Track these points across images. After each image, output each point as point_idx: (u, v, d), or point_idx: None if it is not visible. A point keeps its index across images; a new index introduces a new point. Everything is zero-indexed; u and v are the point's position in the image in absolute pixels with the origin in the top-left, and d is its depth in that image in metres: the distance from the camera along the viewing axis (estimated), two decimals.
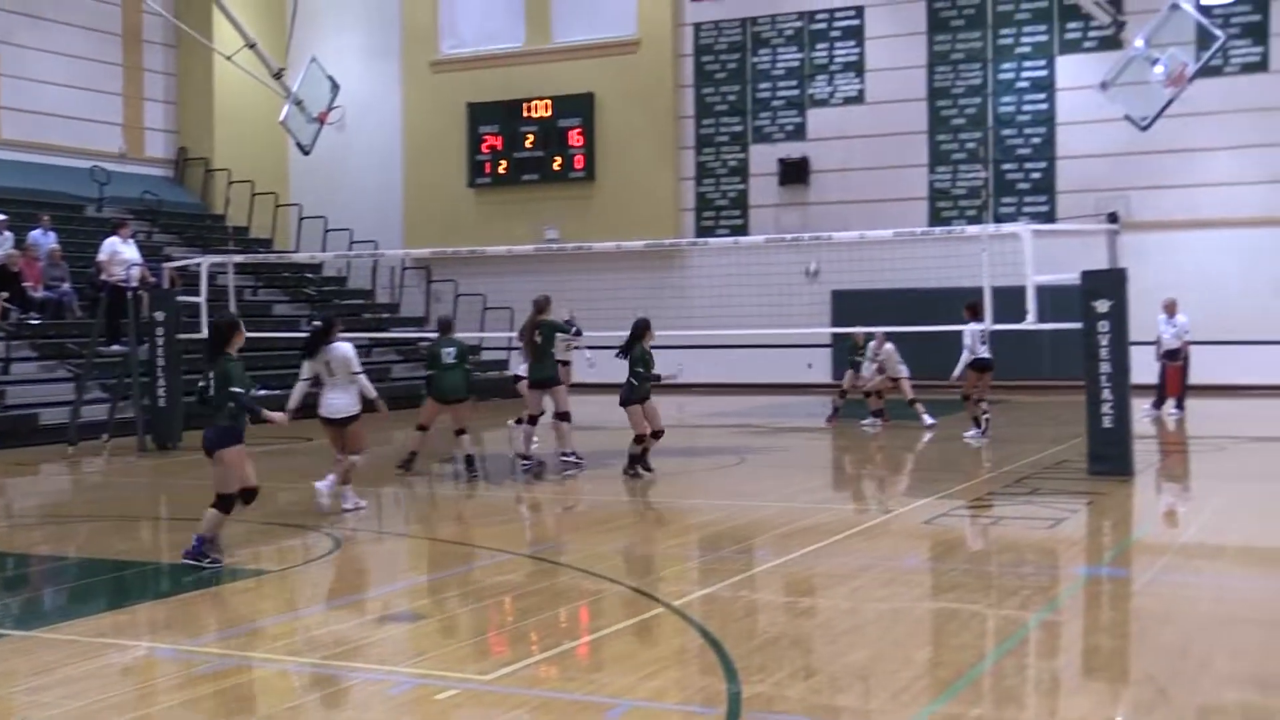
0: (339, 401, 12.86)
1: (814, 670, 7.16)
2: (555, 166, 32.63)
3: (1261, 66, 27.37)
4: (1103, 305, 14.43)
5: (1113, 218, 16.23)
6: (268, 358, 25.47)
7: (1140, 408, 20.10)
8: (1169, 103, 17.15)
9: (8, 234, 23.46)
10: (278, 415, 11.08)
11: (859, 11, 30.50)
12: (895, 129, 29.92)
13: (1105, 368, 14.41)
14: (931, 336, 19.57)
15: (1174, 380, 21.84)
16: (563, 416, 16.14)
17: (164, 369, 19.46)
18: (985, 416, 18.93)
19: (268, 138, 31.12)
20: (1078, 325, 14.70)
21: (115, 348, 20.87)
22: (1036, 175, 29.12)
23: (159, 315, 19.67)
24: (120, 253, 21.69)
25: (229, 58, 22.02)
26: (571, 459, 15.93)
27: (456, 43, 34.20)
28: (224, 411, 10.10)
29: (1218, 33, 19.22)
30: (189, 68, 32.84)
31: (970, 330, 18.50)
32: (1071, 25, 28.59)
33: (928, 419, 20.27)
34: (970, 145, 29.47)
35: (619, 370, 15.44)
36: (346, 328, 27.23)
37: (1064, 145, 28.81)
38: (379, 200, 33.98)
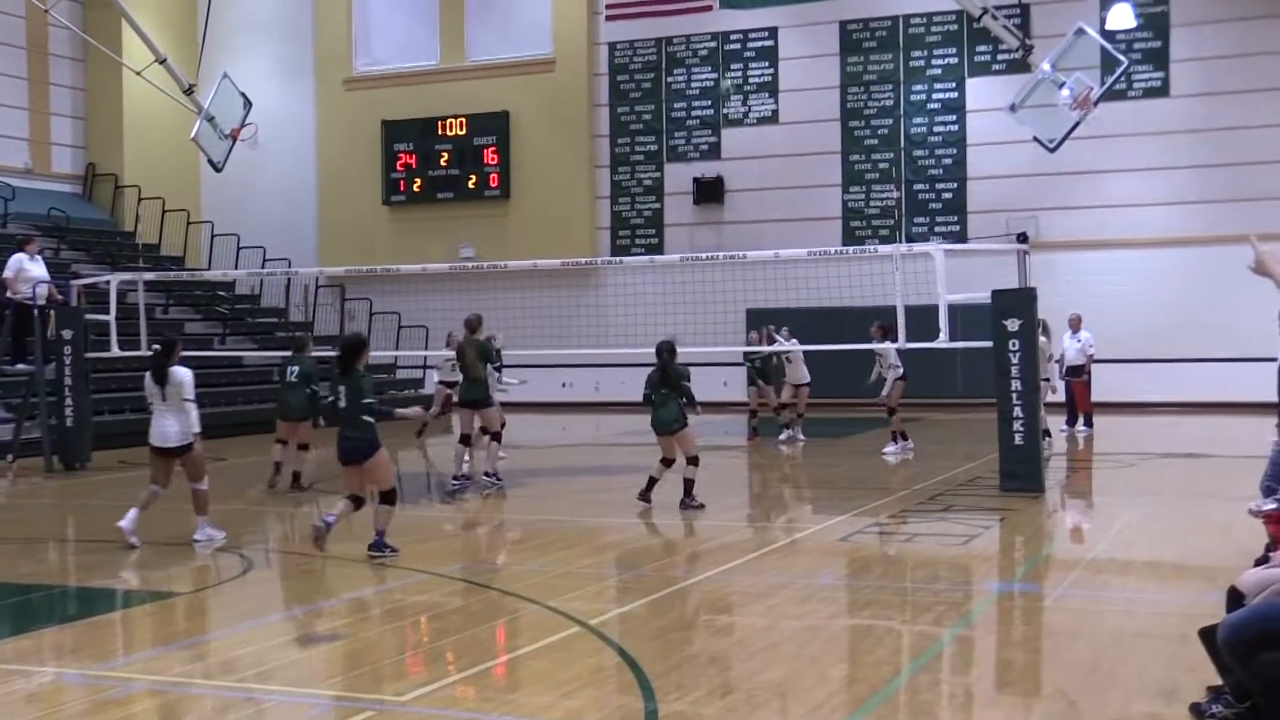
0: (173, 429, 12.08)
1: (731, 688, 7.18)
2: (470, 185, 32.54)
3: (1163, 91, 27.97)
4: (1013, 324, 14.64)
5: (1023, 238, 16.50)
6: None
7: (1056, 426, 20.46)
8: (1075, 125, 17.43)
9: None
10: (411, 410, 12.92)
11: (772, 33, 30.76)
12: (809, 149, 30.19)
13: (1016, 385, 14.62)
14: (845, 354, 19.79)
15: (1080, 397, 22.19)
16: (494, 436, 16.13)
17: (71, 388, 19.12)
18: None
19: (179, 154, 30.70)
20: (989, 344, 14.90)
21: (20, 366, 20.48)
22: (948, 195, 29.51)
23: (66, 334, 19.33)
24: (27, 270, 21.26)
25: (139, 73, 21.76)
26: (493, 478, 15.90)
27: (371, 60, 34.02)
28: (358, 422, 11.02)
29: (1121, 58, 19.64)
30: (98, 82, 32.33)
31: (891, 348, 18.77)
32: (981, 48, 29.03)
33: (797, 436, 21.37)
34: (883, 165, 29.83)
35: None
36: (259, 345, 27.14)
37: (974, 166, 29.22)
38: (292, 218, 33.68)
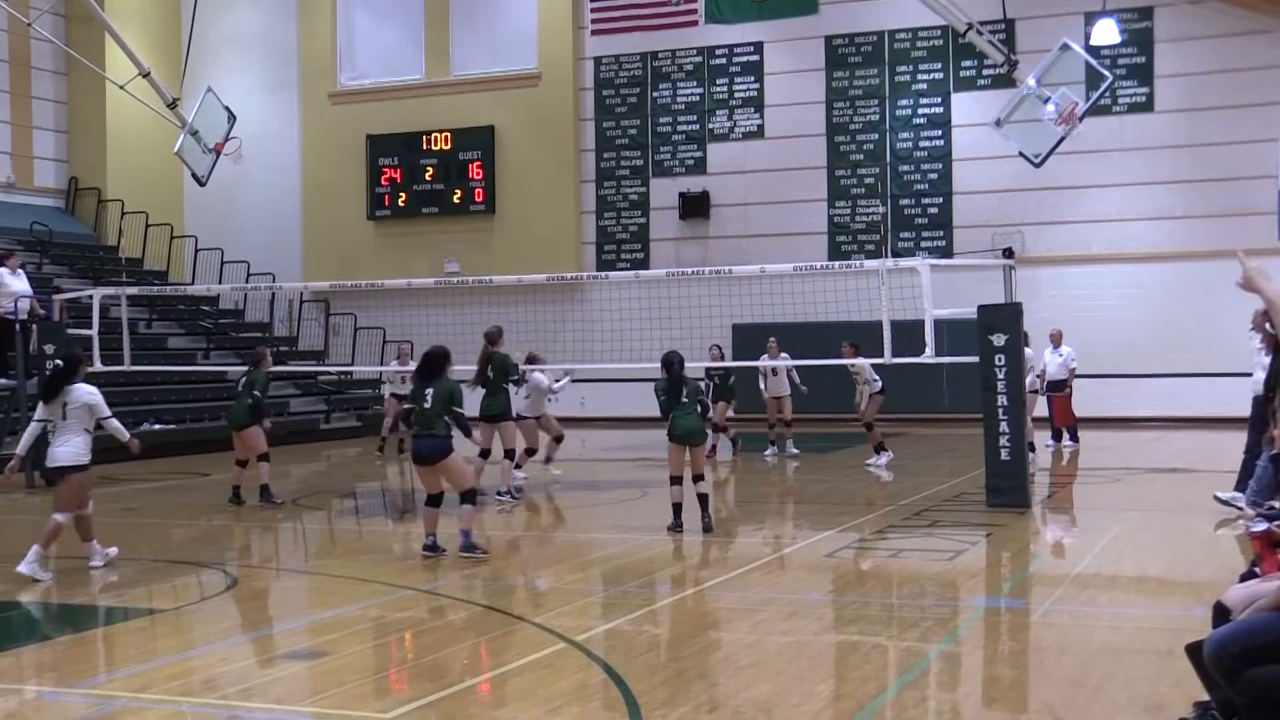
0: (64, 450, 11.34)
1: (717, 704, 7.14)
2: (455, 199, 32.50)
3: (1147, 107, 28.07)
4: (999, 339, 14.64)
5: (1008, 253, 16.51)
6: (162, 391, 25.09)
7: (1042, 442, 20.46)
8: (1060, 140, 17.45)
9: None
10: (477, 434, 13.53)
11: (758, 47, 30.81)
12: (795, 164, 30.23)
13: (1002, 400, 14.61)
14: (830, 370, 19.78)
15: (1062, 412, 22.19)
16: (508, 454, 16.04)
17: None
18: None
19: (162, 169, 30.64)
20: (974, 359, 14.90)
21: (2, 382, 20.37)
22: (933, 210, 29.56)
23: (49, 348, 19.22)
24: (8, 284, 21.19)
25: (122, 86, 21.69)
26: (507, 497, 15.82)
27: (355, 74, 33.99)
28: (437, 423, 11.53)
29: (1106, 73, 19.66)
30: (81, 96, 32.23)
31: (867, 364, 18.79)
32: (966, 63, 29.12)
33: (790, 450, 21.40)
34: (869, 180, 29.88)
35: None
36: (243, 361, 27.02)
37: (960, 181, 29.28)
38: (277, 232, 33.60)
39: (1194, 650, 5.99)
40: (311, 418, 27.89)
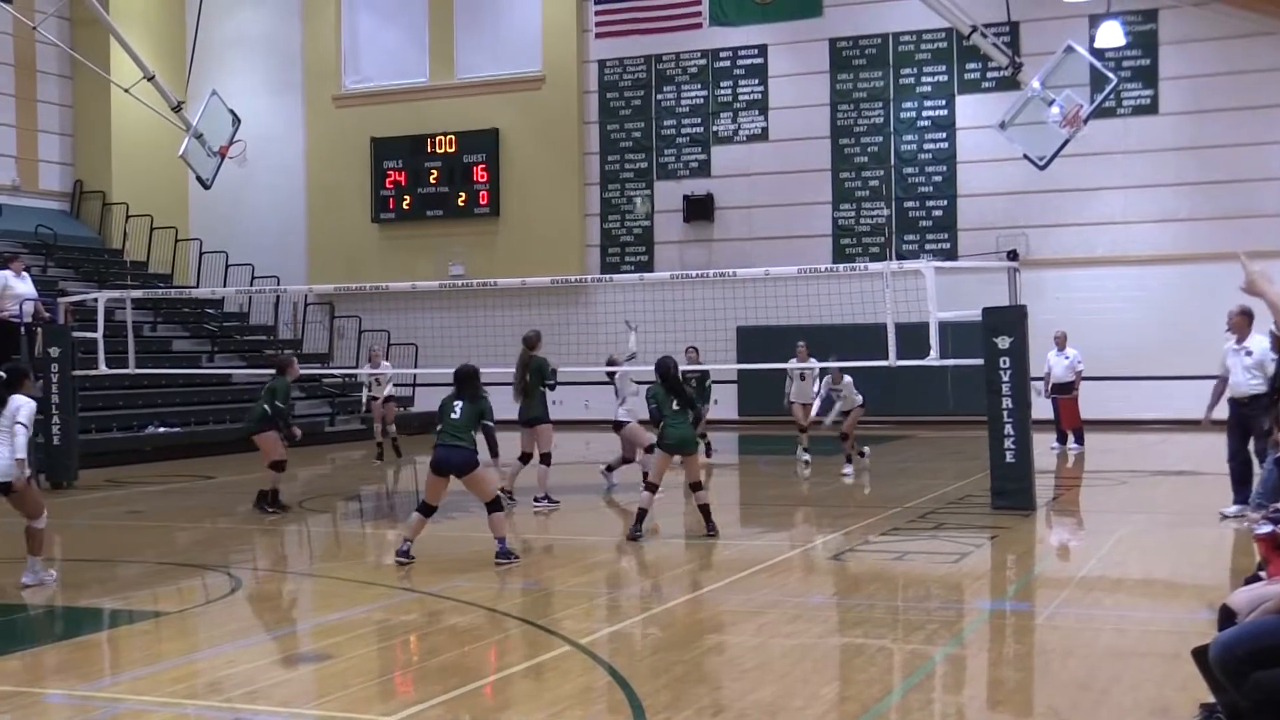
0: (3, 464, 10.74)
1: (722, 707, 7.13)
2: (460, 202, 32.52)
3: (1152, 109, 28.07)
4: (1004, 341, 14.63)
5: (1013, 255, 16.48)
6: (167, 394, 25.12)
7: (1047, 444, 20.43)
8: (1065, 143, 17.42)
9: None
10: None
11: (762, 50, 30.82)
12: (799, 166, 30.23)
13: (1007, 403, 14.60)
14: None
15: (1069, 414, 22.13)
16: (544, 459, 16.01)
17: (58, 406, 19.03)
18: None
19: (167, 172, 30.68)
20: (979, 361, 14.88)
21: None
22: (938, 213, 29.55)
23: (53, 352, 19.26)
24: (13, 287, 21.19)
25: (127, 90, 21.71)
26: (544, 503, 15.76)
27: (359, 78, 34.03)
28: (465, 435, 11.60)
29: (1110, 75, 19.62)
30: (86, 99, 32.29)
31: (849, 379, 18.98)
32: (970, 66, 29.11)
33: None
34: (873, 183, 29.87)
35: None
36: (248, 364, 27.05)
37: (964, 183, 29.28)
38: (282, 235, 33.63)
39: (1200, 653, 5.98)
40: (316, 420, 27.90)
